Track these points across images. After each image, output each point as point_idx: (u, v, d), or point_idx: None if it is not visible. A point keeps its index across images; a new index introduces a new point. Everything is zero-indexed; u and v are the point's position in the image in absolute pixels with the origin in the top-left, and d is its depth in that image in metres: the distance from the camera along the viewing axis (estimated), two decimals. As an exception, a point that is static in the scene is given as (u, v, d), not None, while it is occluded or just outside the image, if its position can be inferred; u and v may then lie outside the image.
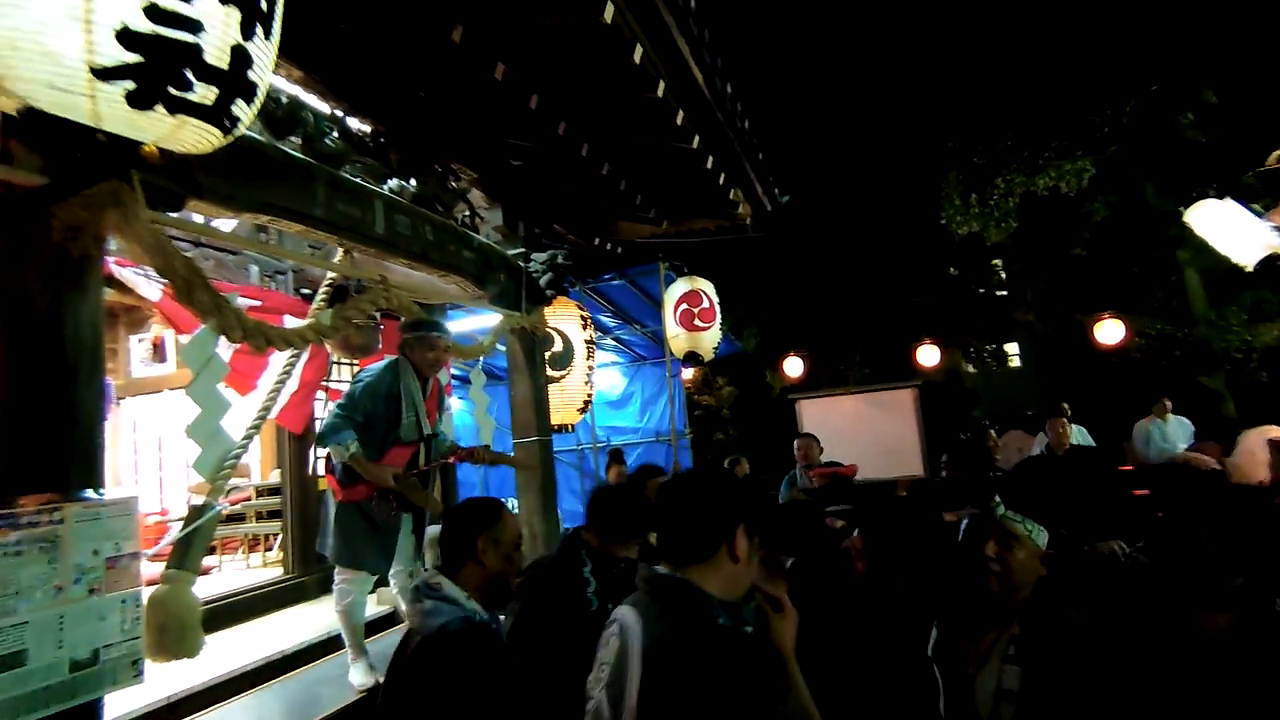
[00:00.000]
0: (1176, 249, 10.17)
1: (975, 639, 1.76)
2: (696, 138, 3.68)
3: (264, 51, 1.37)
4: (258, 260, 4.59)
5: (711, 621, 1.23)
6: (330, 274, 3.12)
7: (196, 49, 1.20)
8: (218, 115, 1.32)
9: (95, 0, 1.07)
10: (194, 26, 1.18)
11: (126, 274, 3.59)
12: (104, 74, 1.13)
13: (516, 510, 5.38)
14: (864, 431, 10.60)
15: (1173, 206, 10.07)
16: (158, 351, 4.92)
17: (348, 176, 2.86)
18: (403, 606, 3.35)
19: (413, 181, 3.27)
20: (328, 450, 3.00)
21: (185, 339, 3.92)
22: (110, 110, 1.17)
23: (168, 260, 1.94)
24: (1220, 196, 5.57)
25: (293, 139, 2.62)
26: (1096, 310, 9.13)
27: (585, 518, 2.39)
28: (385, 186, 3.09)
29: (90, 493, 1.76)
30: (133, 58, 1.14)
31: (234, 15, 1.23)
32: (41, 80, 1.10)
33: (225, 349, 2.77)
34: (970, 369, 17.07)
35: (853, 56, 13.62)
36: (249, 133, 2.41)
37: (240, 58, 1.29)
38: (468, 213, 3.82)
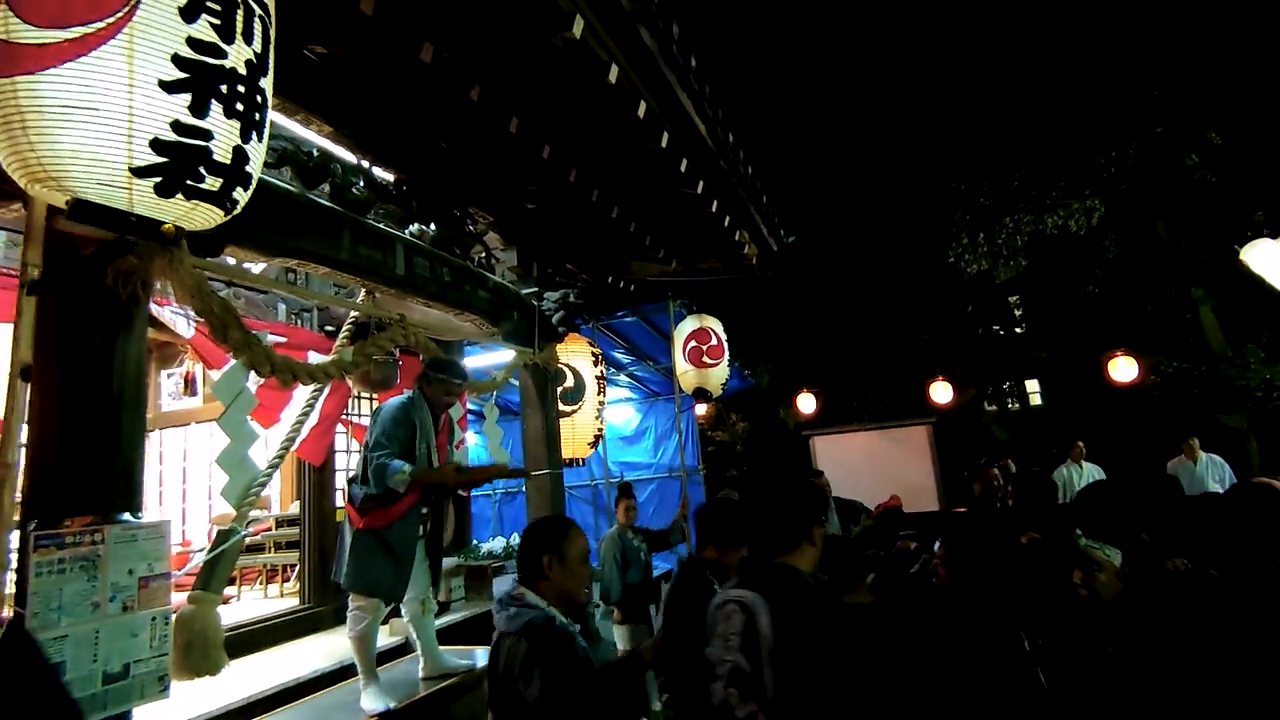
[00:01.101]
0: (1191, 286, 10.16)
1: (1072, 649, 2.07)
2: (701, 183, 3.85)
3: (257, 149, 1.72)
4: (285, 299, 4.82)
5: (810, 587, 1.71)
6: (353, 312, 3.30)
7: (208, 151, 1.56)
8: (222, 199, 1.67)
9: (136, 120, 1.43)
10: (207, 135, 1.55)
11: (164, 313, 3.80)
12: (139, 172, 1.48)
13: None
14: (879, 468, 10.56)
15: (1185, 245, 10.11)
16: (189, 385, 5.14)
17: (371, 222, 3.05)
18: (414, 636, 3.43)
19: (432, 226, 3.47)
20: (350, 481, 3.14)
21: (216, 374, 4.13)
22: (142, 198, 1.52)
23: (206, 301, 2.13)
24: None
25: (322, 188, 2.83)
26: (1111, 348, 9.13)
27: (698, 536, 2.73)
28: (406, 231, 3.28)
29: (128, 516, 1.90)
30: (161, 160, 1.49)
31: (236, 125, 1.60)
32: (92, 179, 1.45)
33: (251, 383, 2.94)
34: (990, 407, 16.96)
35: (860, 98, 13.94)
36: (283, 183, 2.63)
37: (240, 155, 1.64)
38: (484, 254, 4.01)
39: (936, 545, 2.45)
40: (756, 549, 1.83)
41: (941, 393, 10.68)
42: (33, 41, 1.34)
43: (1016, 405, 17.93)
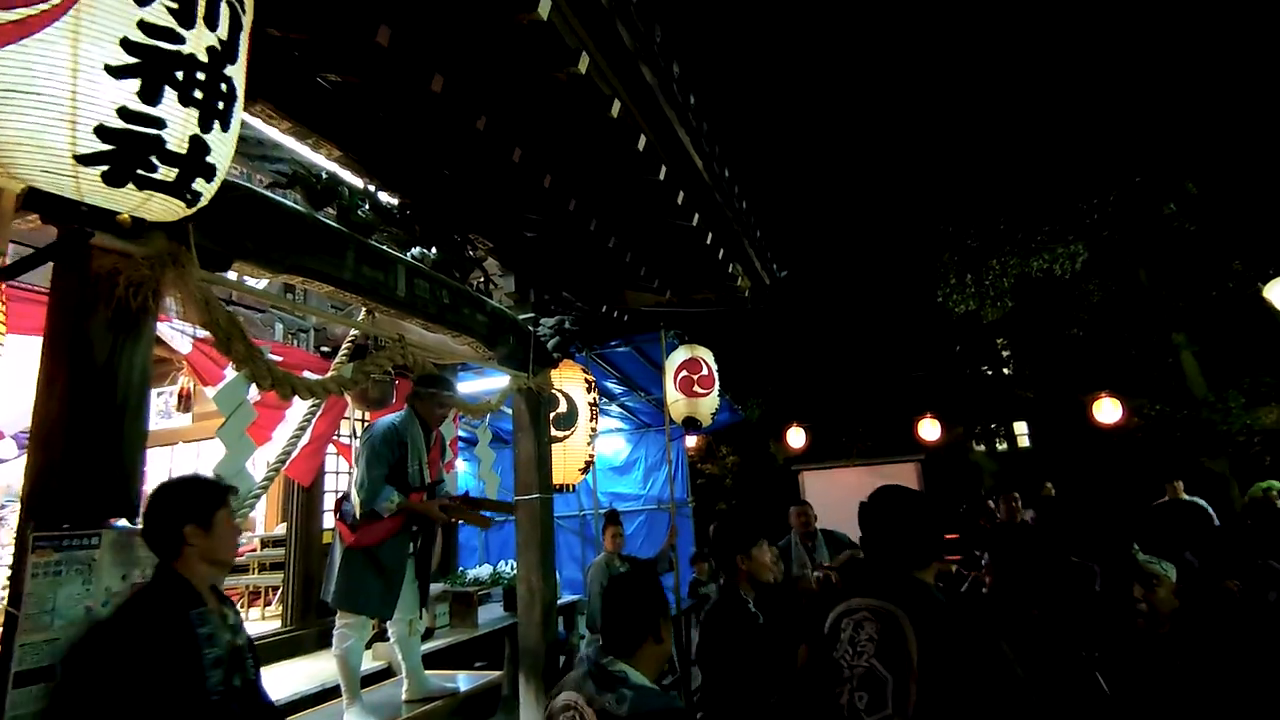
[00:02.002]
0: (1172, 331, 10.40)
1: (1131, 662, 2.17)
2: (696, 216, 3.97)
3: (222, 141, 1.66)
4: (282, 319, 4.87)
5: (940, 599, 1.79)
6: (353, 332, 3.35)
7: (159, 140, 1.50)
8: (179, 190, 1.60)
9: (80, 106, 1.39)
10: (158, 123, 1.49)
11: (162, 329, 3.84)
12: (84, 160, 1.43)
13: (516, 569, 5.43)
14: (867, 504, 10.59)
15: (1166, 291, 10.38)
16: (183, 402, 5.15)
17: (375, 244, 3.13)
18: (398, 659, 3.41)
19: (433, 249, 3.55)
20: (340, 500, 3.15)
21: (210, 391, 4.15)
22: (90, 187, 1.47)
23: (213, 314, 2.18)
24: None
25: (329, 209, 2.91)
26: (1095, 390, 9.29)
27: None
28: (408, 254, 3.36)
29: (124, 521, 1.92)
30: (106, 147, 1.44)
31: (193, 114, 1.55)
32: (38, 167, 1.42)
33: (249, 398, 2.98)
34: (978, 446, 17.07)
35: (852, 140, 14.34)
36: (293, 204, 2.71)
37: (198, 146, 1.58)
38: (482, 279, 4.09)
39: (983, 561, 2.53)
40: (893, 563, 1.85)
41: (930, 430, 10.78)
42: None
43: (1004, 445, 18.07)
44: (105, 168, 1.45)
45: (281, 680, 4.00)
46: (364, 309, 3.28)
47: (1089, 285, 10.68)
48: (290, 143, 3.03)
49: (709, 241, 4.27)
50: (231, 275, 2.91)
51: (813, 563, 4.81)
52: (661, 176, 3.42)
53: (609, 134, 3.07)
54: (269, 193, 2.65)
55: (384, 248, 3.19)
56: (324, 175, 2.90)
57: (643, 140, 3.12)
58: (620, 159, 3.30)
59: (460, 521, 3.68)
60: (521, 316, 4.37)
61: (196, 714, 1.68)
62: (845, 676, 1.70)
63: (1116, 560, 2.41)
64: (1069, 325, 11.43)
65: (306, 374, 4.13)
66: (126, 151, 1.46)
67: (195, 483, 1.97)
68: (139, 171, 1.50)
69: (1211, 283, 9.77)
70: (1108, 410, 8.93)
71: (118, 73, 1.41)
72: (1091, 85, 10.48)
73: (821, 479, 11.21)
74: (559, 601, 4.46)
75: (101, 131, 1.42)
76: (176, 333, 3.97)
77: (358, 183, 3.24)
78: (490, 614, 5.99)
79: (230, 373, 3.76)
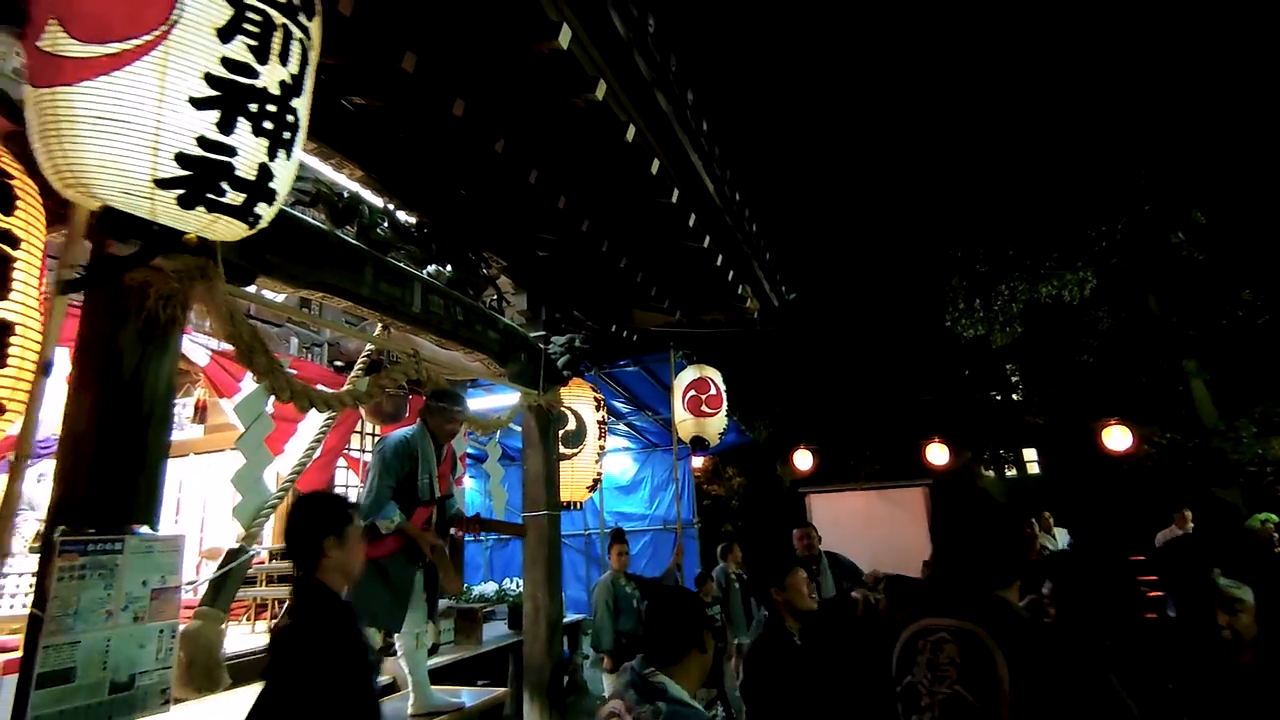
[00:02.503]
0: (1183, 359, 10.36)
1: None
2: (707, 238, 4.03)
3: (285, 168, 1.76)
4: (298, 333, 4.95)
5: (1028, 620, 1.70)
6: (368, 346, 3.42)
7: (231, 166, 1.60)
8: (244, 213, 1.70)
9: (162, 134, 1.49)
10: (231, 151, 1.59)
11: (183, 341, 3.92)
12: (163, 184, 1.52)
13: (521, 586, 5.43)
14: (874, 529, 10.51)
15: (1176, 319, 10.36)
16: (198, 413, 5.22)
17: (392, 261, 3.20)
18: (404, 672, 3.42)
19: (448, 267, 3.63)
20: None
21: (226, 403, 4.22)
22: (165, 209, 1.57)
23: (238, 326, 2.24)
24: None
25: (349, 227, 2.98)
26: (1105, 417, 9.25)
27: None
28: (424, 271, 3.43)
29: (145, 528, 1.96)
30: (184, 173, 1.54)
31: (263, 143, 1.65)
32: (118, 188, 1.51)
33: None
34: (987, 472, 16.92)
35: (861, 162, 14.47)
36: (315, 221, 2.78)
37: (264, 172, 1.69)
38: (495, 297, 4.16)
39: (1045, 588, 2.45)
40: (975, 581, 1.70)
41: (938, 454, 10.72)
42: (74, 55, 1.41)
43: (1014, 471, 17.90)
44: (181, 191, 1.55)
45: (287, 693, 4.01)
46: (380, 324, 3.35)
47: (1098, 312, 10.67)
48: (314, 162, 3.12)
49: (719, 263, 4.34)
50: (250, 289, 3.01)
51: (817, 586, 4.79)
52: (674, 199, 3.49)
53: (623, 158, 3.15)
54: (292, 210, 2.73)
55: (401, 265, 3.27)
56: (345, 194, 2.98)
57: (656, 164, 3.19)
58: (634, 182, 3.38)
59: (462, 536, 3.69)
60: (533, 334, 4.43)
61: (372, 712, 1.94)
62: (924, 705, 1.58)
63: (1194, 586, 2.31)
64: (1078, 351, 11.41)
65: (320, 389, 4.21)
66: (201, 177, 1.56)
67: (332, 498, 2.12)
68: (209, 196, 1.59)
69: (1221, 311, 9.75)
70: (1117, 437, 8.89)
71: (199, 104, 1.51)
72: (1100, 114, 10.58)
73: (828, 502, 11.16)
74: (563, 620, 4.46)
75: (181, 158, 1.51)
76: (195, 345, 4.05)
77: (377, 202, 3.32)
78: (494, 631, 5.97)
79: (246, 385, 3.83)
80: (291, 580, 2.18)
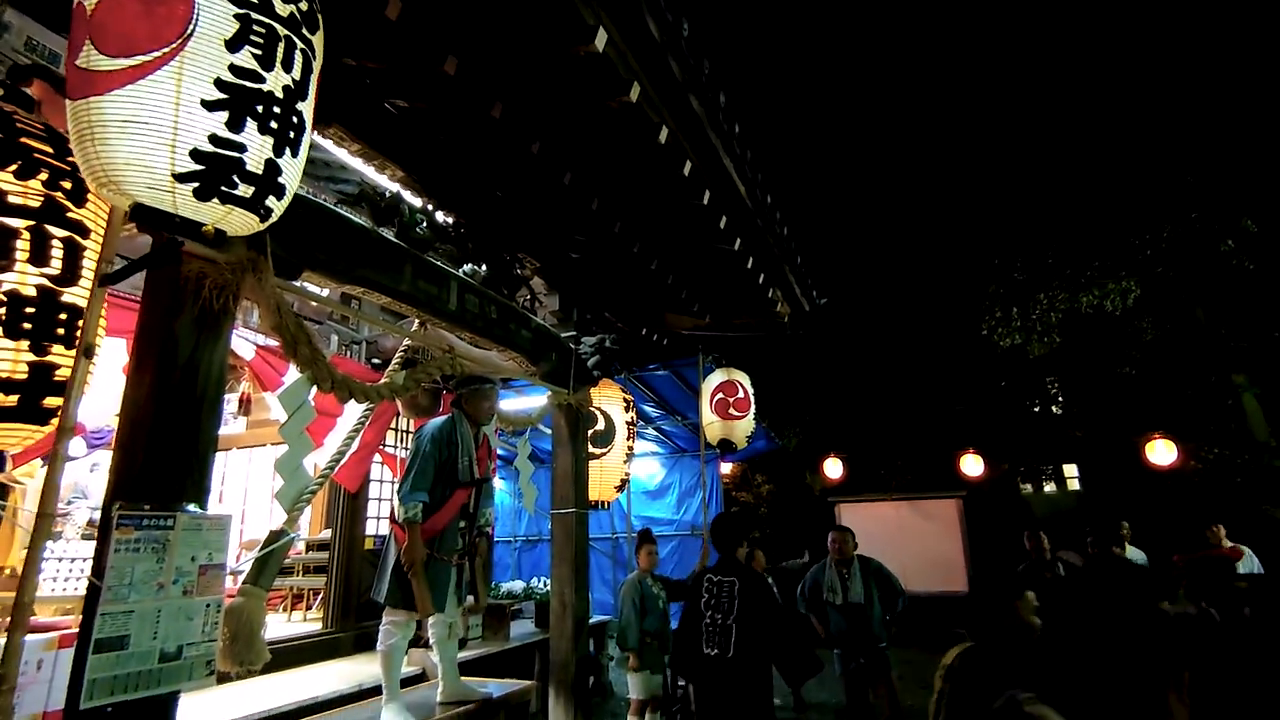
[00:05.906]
0: (1232, 372, 9.99)
1: None
2: (738, 241, 4.06)
3: (291, 164, 1.92)
4: (338, 331, 5.10)
5: None
6: (405, 343, 3.53)
7: (241, 162, 1.76)
8: (255, 205, 1.84)
9: (179, 133, 1.66)
10: (240, 148, 1.75)
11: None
12: (181, 178, 1.68)
13: (549, 584, 5.49)
14: (906, 540, 10.34)
15: (1225, 330, 9.99)
16: (243, 406, 5.42)
17: (430, 259, 3.30)
18: (434, 662, 3.50)
19: (484, 266, 3.72)
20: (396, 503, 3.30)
21: (270, 396, 4.37)
22: (184, 201, 1.73)
23: (284, 318, 2.34)
24: None
25: (390, 226, 3.09)
26: (1148, 431, 8.96)
27: None
28: (460, 269, 3.53)
29: (195, 507, 2.07)
30: (199, 167, 1.70)
31: (269, 141, 1.81)
32: (143, 184, 1.68)
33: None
34: (1025, 485, 16.51)
35: (899, 169, 14.33)
36: (358, 219, 2.89)
37: (272, 167, 1.84)
38: (528, 296, 4.24)
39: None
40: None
41: (972, 466, 10.51)
42: (103, 68, 1.59)
43: (1053, 486, 17.45)
44: (196, 185, 1.70)
45: (321, 679, 4.13)
46: (417, 320, 3.45)
47: (1142, 322, 10.34)
48: (357, 164, 3.24)
49: (750, 266, 4.36)
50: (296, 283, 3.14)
51: (844, 589, 4.76)
52: (705, 201, 3.53)
53: (656, 159, 3.20)
54: (337, 209, 2.84)
55: (438, 263, 3.37)
56: (387, 194, 3.09)
57: (688, 166, 3.24)
58: (665, 184, 3.43)
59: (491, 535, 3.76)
60: (564, 334, 4.50)
61: None
62: None
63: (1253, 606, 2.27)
64: (1121, 363, 11.07)
65: (359, 383, 4.34)
66: (214, 171, 1.71)
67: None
68: (223, 188, 1.75)
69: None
70: (1161, 452, 8.60)
71: (211, 106, 1.68)
72: (1145, 118, 10.31)
73: (858, 512, 11.02)
74: (589, 621, 4.50)
75: (195, 154, 1.68)
76: (241, 340, 4.20)
77: (417, 202, 3.42)
78: (521, 629, 6.05)
79: (289, 378, 3.96)
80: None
